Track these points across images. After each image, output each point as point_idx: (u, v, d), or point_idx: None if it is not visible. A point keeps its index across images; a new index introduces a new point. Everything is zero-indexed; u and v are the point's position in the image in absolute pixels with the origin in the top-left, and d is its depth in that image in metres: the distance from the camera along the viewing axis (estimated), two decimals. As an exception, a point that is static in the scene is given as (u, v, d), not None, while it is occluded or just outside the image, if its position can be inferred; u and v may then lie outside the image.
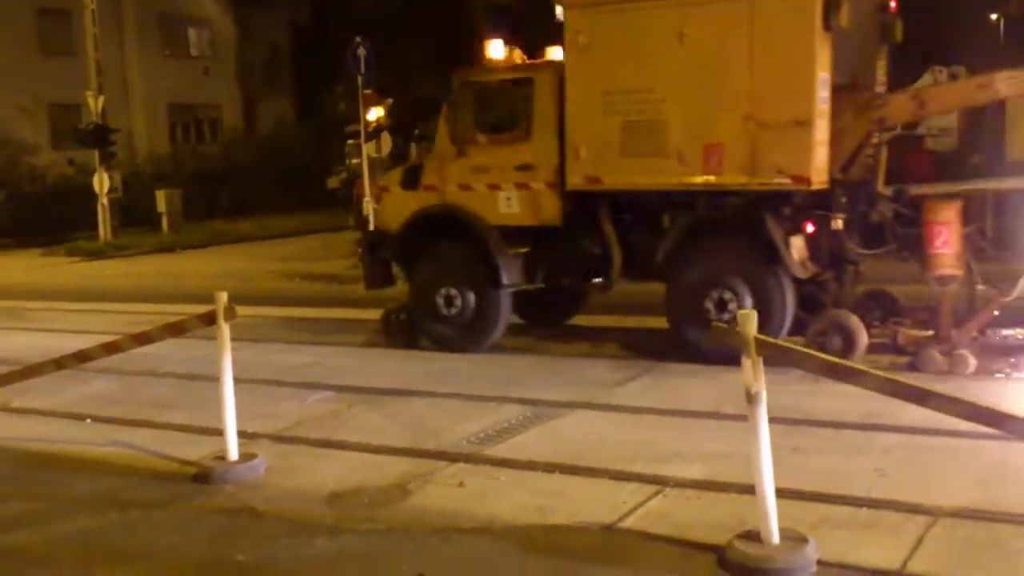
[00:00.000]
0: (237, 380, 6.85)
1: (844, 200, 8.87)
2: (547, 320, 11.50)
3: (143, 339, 7.62)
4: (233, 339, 6.79)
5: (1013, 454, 5.94)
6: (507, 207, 9.98)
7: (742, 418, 5.06)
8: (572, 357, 9.78)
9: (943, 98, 9.18)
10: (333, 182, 29.32)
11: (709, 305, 9.08)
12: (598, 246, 9.74)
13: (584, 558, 5.14)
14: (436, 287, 10.28)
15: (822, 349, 8.28)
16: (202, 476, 6.60)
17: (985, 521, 5.26)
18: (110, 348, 7.60)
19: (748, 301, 8.90)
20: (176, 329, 7.46)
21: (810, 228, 8.94)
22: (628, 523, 5.53)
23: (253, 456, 6.78)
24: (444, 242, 10.37)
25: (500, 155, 10.02)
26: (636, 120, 9.14)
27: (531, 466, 6.56)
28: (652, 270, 9.54)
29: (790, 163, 8.56)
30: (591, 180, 9.46)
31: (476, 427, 7.51)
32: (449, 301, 10.23)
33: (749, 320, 4.89)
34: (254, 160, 34.49)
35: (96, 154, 26.03)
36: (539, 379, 9.01)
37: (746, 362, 4.89)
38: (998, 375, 8.39)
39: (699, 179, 8.94)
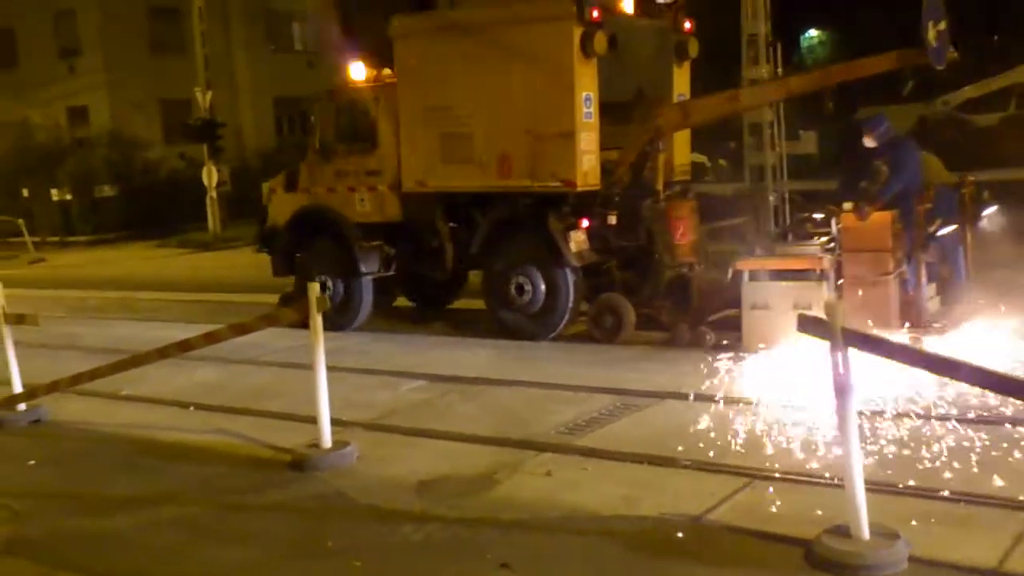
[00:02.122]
0: (333, 369, 7.01)
1: (617, 199, 10.30)
2: (434, 304, 12.88)
3: (241, 329, 7.84)
4: (328, 329, 6.93)
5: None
6: (362, 207, 11.61)
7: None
8: (663, 346, 9.70)
9: (702, 109, 10.68)
10: None
11: (512, 289, 10.49)
12: (435, 239, 11.20)
13: (669, 550, 5.11)
14: (313, 275, 11.52)
15: (597, 327, 10.09)
16: (297, 463, 6.77)
17: (1090, 518, 5.05)
18: (210, 338, 7.83)
19: (541, 287, 10.40)
20: (272, 320, 7.67)
21: (585, 223, 10.26)
22: (715, 515, 5.48)
23: (346, 444, 6.91)
24: (317, 236, 12.00)
25: (355, 162, 11.64)
26: (450, 132, 10.70)
27: (619, 456, 6.54)
28: (474, 260, 11.07)
29: (560, 169, 10.03)
30: (420, 183, 11.08)
31: (565, 417, 7.52)
32: (323, 287, 11.48)
33: (836, 310, 4.78)
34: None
35: (205, 148, 26.82)
36: (629, 368, 8.97)
37: (834, 354, 4.78)
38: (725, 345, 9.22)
39: (496, 182, 10.49)
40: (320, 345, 6.78)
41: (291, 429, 7.50)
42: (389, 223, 11.46)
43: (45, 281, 20.41)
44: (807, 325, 5.04)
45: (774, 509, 5.47)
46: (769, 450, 6.39)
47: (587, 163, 10.00)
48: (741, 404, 7.56)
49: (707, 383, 8.21)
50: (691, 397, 7.73)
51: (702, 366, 8.65)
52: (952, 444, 6.26)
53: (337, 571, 5.19)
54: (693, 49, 11.21)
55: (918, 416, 6.83)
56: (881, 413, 6.77)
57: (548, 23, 9.93)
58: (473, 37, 10.43)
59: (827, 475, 5.57)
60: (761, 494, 5.72)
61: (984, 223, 10.46)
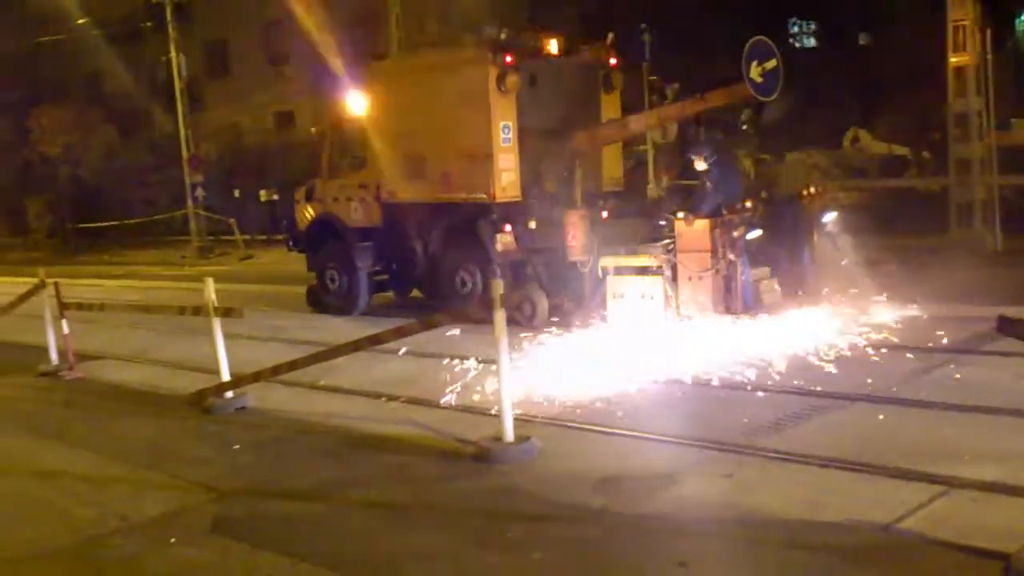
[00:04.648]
0: (517, 365, 7.09)
1: (534, 208, 12.16)
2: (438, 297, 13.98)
3: (429, 325, 8.09)
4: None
5: None
6: (356, 214, 14.15)
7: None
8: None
9: (603, 134, 12.88)
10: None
11: (457, 282, 12.74)
12: (409, 241, 13.48)
13: (853, 558, 4.94)
14: (325, 269, 14.59)
15: (519, 313, 11.61)
16: (480, 456, 6.93)
17: None
18: (400, 332, 8.12)
19: (479, 279, 12.52)
20: (458, 316, 7.86)
21: (508, 228, 12.20)
22: (906, 524, 5.25)
23: (527, 438, 7.02)
24: (328, 238, 14.54)
25: (352, 177, 14.25)
26: (410, 154, 13.12)
27: (805, 460, 6.36)
28: (433, 258, 13.31)
29: (483, 184, 12.17)
30: (392, 195, 13.58)
31: (751, 417, 7.39)
32: (332, 279, 14.46)
33: (1039, 311, 4.50)
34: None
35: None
36: (825, 370, 8.68)
37: (1037, 357, 4.51)
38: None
39: (441, 195, 12.85)
40: (504, 340, 6.91)
41: (476, 422, 7.67)
42: (376, 227, 13.90)
43: (253, 276, 21.68)
44: (1007, 327, 4.76)
45: (972, 520, 5.20)
46: (972, 459, 6.06)
47: (505, 179, 12.12)
48: (943, 409, 7.23)
49: (907, 385, 7.88)
50: (890, 400, 7.42)
51: (903, 367, 8.27)
52: None
53: (516, 562, 5.28)
54: (617, 82, 13.43)
55: None
56: None
57: (471, 66, 12.18)
58: (423, 77, 12.88)
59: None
60: (958, 504, 5.46)
61: (828, 227, 11.98)
